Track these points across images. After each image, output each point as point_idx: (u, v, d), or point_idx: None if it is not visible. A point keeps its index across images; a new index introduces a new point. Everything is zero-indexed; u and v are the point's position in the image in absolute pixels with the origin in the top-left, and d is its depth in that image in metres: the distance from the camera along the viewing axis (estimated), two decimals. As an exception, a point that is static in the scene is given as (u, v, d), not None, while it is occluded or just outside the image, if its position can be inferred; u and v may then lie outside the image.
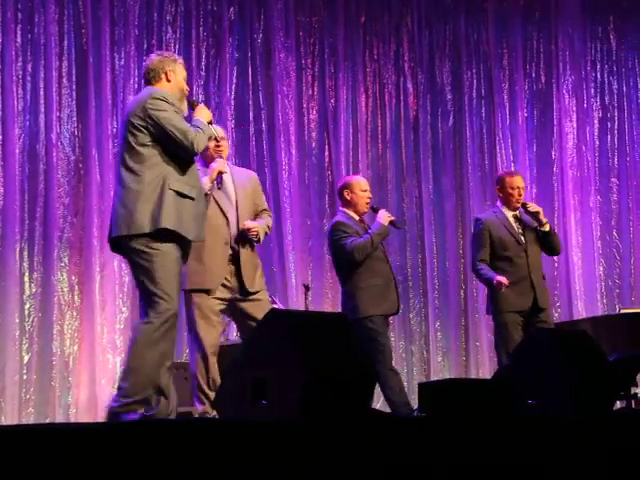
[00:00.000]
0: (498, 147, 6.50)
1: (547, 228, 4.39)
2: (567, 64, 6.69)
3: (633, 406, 3.61)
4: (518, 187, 4.41)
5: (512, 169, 6.17)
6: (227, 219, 3.54)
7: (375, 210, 4.23)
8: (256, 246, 3.68)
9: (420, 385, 2.78)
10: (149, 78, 3.15)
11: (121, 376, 3.00)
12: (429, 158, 6.35)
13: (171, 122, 2.98)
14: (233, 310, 3.56)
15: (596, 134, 6.70)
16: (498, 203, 4.51)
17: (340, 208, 4.37)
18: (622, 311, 5.34)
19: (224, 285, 3.50)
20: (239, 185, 3.67)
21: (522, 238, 4.36)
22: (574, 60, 6.70)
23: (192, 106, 3.21)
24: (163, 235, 2.93)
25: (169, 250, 2.93)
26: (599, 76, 6.76)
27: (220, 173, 3.53)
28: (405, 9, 6.45)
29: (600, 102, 6.74)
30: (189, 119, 3.15)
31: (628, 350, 4.06)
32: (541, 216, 4.37)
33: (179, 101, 3.11)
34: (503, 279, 4.24)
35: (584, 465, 2.38)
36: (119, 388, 2.94)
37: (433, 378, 5.90)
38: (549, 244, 4.43)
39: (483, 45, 6.58)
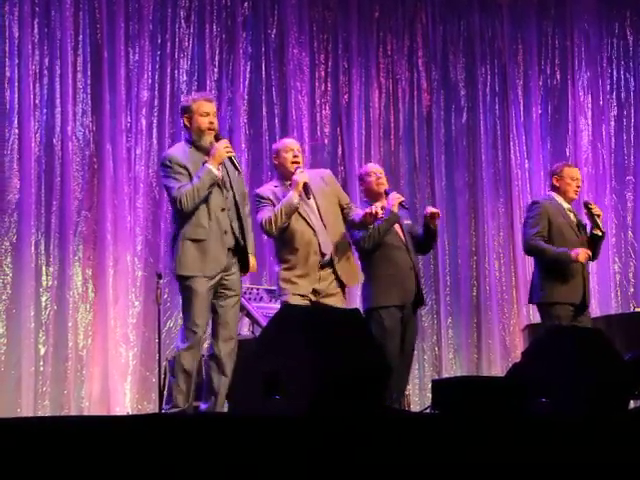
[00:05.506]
0: (512, 143, 6.46)
1: (600, 233, 4.21)
2: (582, 60, 6.63)
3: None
4: (577, 178, 4.26)
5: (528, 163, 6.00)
6: (313, 228, 3.58)
7: (387, 195, 4.13)
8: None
9: (434, 382, 2.78)
10: None
11: None
12: (442, 154, 6.32)
13: None
14: None
15: (612, 131, 6.64)
16: (552, 194, 4.28)
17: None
18: (637, 310, 5.31)
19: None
20: (316, 189, 3.67)
21: (578, 231, 4.20)
22: (590, 56, 6.64)
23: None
24: None
25: None
26: (615, 73, 6.69)
27: (305, 184, 3.56)
28: (419, 5, 6.42)
29: (616, 99, 6.67)
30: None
31: (643, 349, 4.03)
32: (600, 220, 4.21)
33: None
34: (583, 249, 4.02)
35: (598, 464, 2.36)
36: None
37: (444, 375, 5.87)
38: (595, 249, 4.23)
39: (497, 41, 6.53)
